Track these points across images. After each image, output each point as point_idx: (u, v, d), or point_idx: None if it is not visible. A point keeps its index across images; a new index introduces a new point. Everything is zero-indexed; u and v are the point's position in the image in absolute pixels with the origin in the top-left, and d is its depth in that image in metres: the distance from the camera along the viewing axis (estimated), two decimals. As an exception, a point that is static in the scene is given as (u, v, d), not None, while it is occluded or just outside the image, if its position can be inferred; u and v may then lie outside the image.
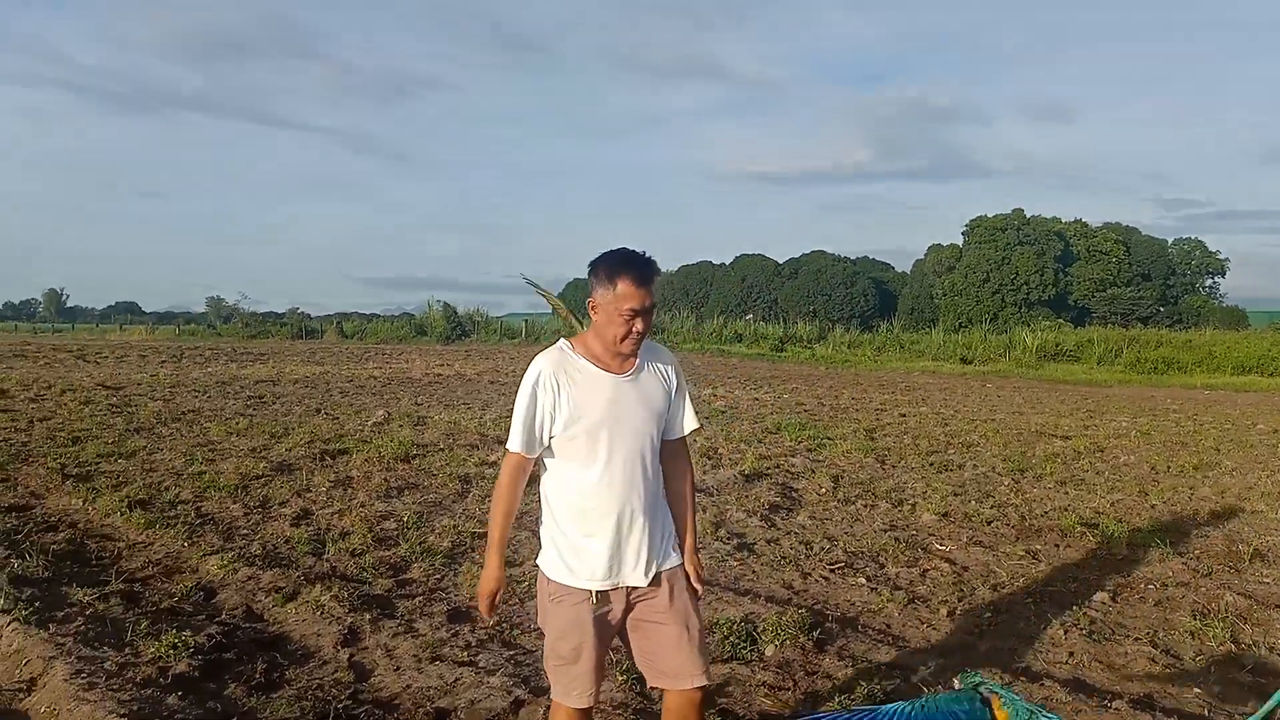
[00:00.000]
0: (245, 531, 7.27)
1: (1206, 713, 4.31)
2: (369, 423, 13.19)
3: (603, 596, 3.11)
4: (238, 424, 12.83)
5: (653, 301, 3.05)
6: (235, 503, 8.10)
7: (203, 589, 5.86)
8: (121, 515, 7.39)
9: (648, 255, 3.07)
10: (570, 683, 3.10)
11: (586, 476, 3.08)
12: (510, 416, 3.20)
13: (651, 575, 3.15)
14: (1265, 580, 6.40)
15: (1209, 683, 4.65)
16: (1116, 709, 4.25)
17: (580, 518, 3.09)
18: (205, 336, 47.20)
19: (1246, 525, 7.95)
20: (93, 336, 48.14)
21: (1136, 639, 5.26)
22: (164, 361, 25.98)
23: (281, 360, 27.55)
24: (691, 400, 3.33)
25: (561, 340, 3.20)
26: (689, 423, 3.30)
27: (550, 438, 3.10)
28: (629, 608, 3.18)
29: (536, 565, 3.23)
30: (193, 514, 7.66)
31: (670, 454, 3.30)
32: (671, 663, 3.19)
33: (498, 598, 3.16)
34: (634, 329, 3.04)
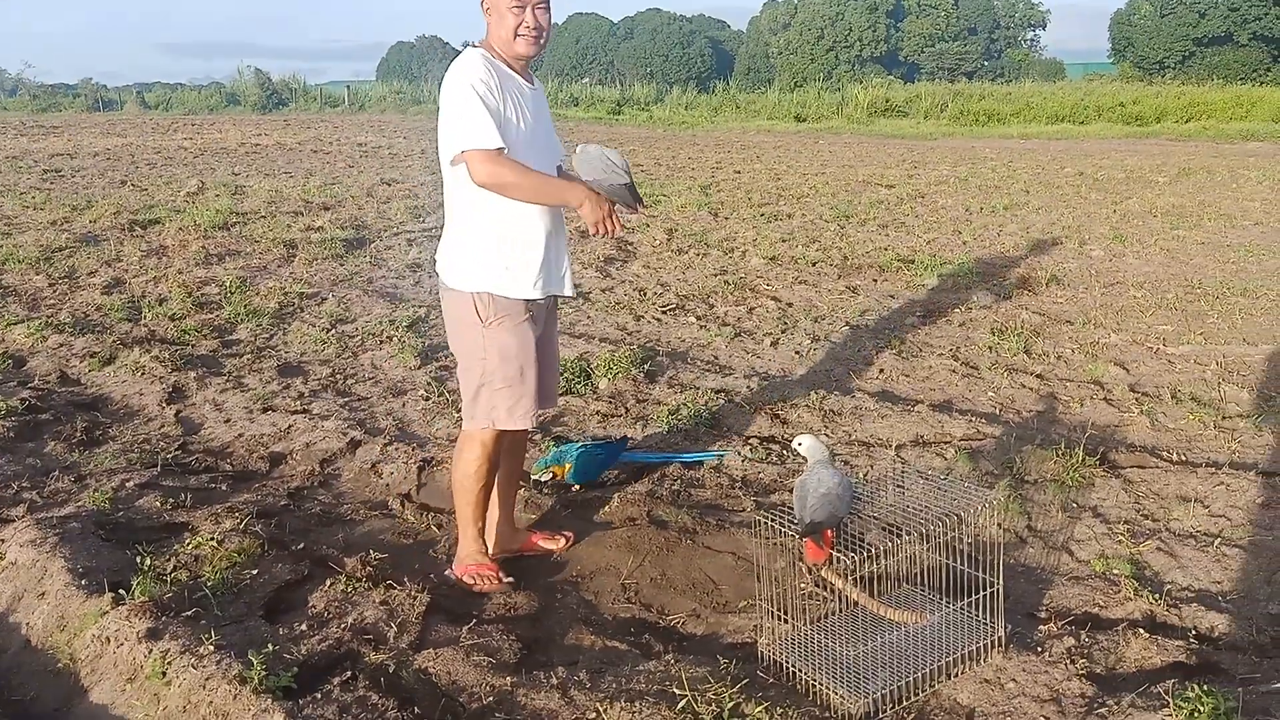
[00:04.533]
0: (52, 301, 6.90)
1: (998, 412, 4.78)
2: (182, 193, 12.40)
3: (539, 309, 3.10)
4: (34, 198, 11.88)
5: None
6: (38, 274, 7.63)
7: (10, 357, 5.60)
8: (-90, 290, 6.86)
9: None
10: (516, 403, 3.09)
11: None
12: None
13: (572, 288, 3.20)
14: (1059, 301, 6.98)
15: (1000, 387, 5.13)
16: (918, 412, 4.65)
17: (518, 230, 3.00)
18: (-13, 111, 42.50)
19: (1046, 255, 8.56)
20: None
21: (940, 354, 5.71)
22: (-58, 137, 23.50)
23: (78, 133, 25.21)
24: None
25: (473, 49, 2.98)
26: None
27: None
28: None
29: (454, 290, 3.06)
30: (-8, 287, 7.18)
31: None
32: (552, 383, 3.34)
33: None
34: (524, 21, 2.90)
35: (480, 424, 3.12)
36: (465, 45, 3.13)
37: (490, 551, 3.32)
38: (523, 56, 2.98)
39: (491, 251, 2.99)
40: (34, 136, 23.90)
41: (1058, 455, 3.99)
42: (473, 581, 3.19)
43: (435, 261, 3.19)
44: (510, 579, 3.21)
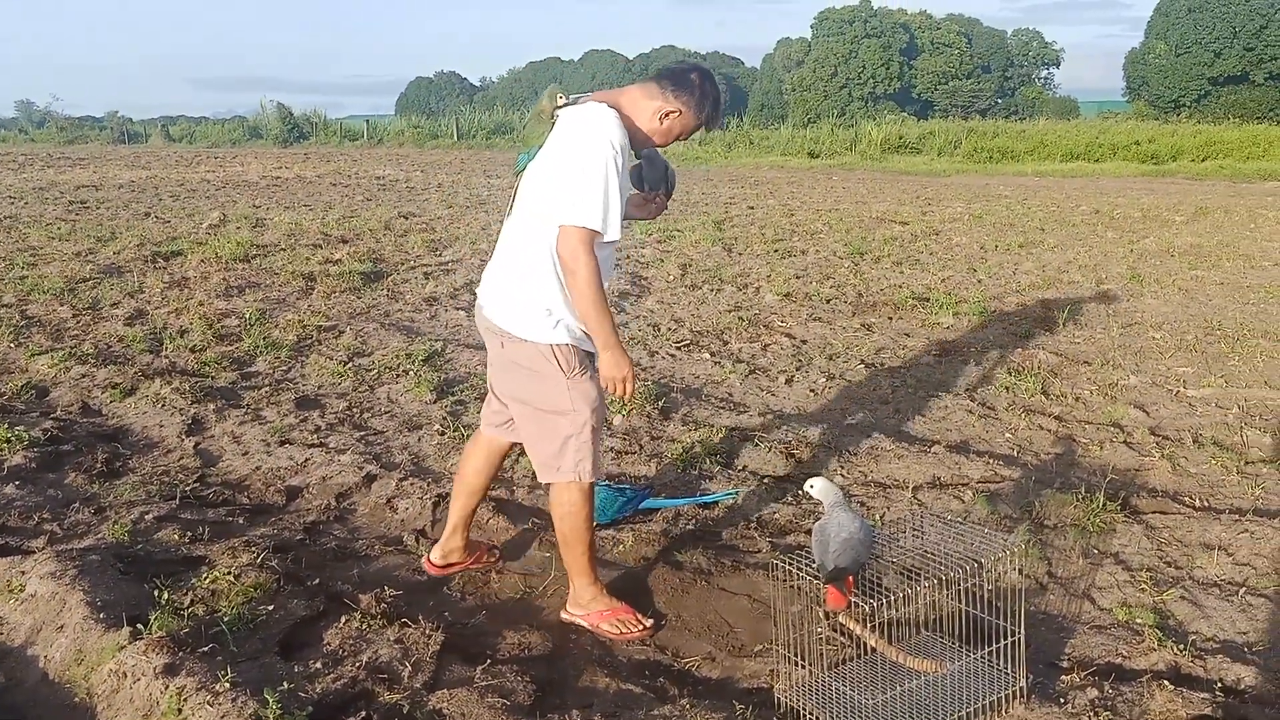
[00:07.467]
0: (75, 332, 6.96)
1: (1016, 453, 4.75)
2: (204, 225, 12.54)
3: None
4: (59, 229, 12.04)
5: None
6: (62, 305, 7.71)
7: (34, 388, 5.66)
8: (-64, 320, 6.94)
9: None
10: (598, 453, 3.08)
11: (605, 250, 2.97)
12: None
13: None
14: (1076, 341, 6.95)
15: (1018, 428, 5.10)
16: (935, 453, 4.63)
17: None
18: (17, 142, 43.25)
19: (1063, 294, 8.54)
20: (-121, 144, 43.38)
21: (956, 394, 5.69)
22: (-29, 168, 23.94)
23: (103, 165, 25.60)
24: None
25: (609, 109, 2.97)
26: None
27: None
28: None
29: (529, 341, 3.00)
30: (17, 316, 7.29)
31: None
32: None
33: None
34: (675, 142, 3.11)
35: (567, 476, 3.07)
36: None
37: (433, 559, 3.49)
38: (639, 146, 3.07)
39: (566, 308, 2.98)
40: (60, 168, 24.28)
41: (1078, 500, 3.96)
42: (616, 630, 3.14)
43: (482, 307, 3.16)
44: (651, 620, 3.19)
